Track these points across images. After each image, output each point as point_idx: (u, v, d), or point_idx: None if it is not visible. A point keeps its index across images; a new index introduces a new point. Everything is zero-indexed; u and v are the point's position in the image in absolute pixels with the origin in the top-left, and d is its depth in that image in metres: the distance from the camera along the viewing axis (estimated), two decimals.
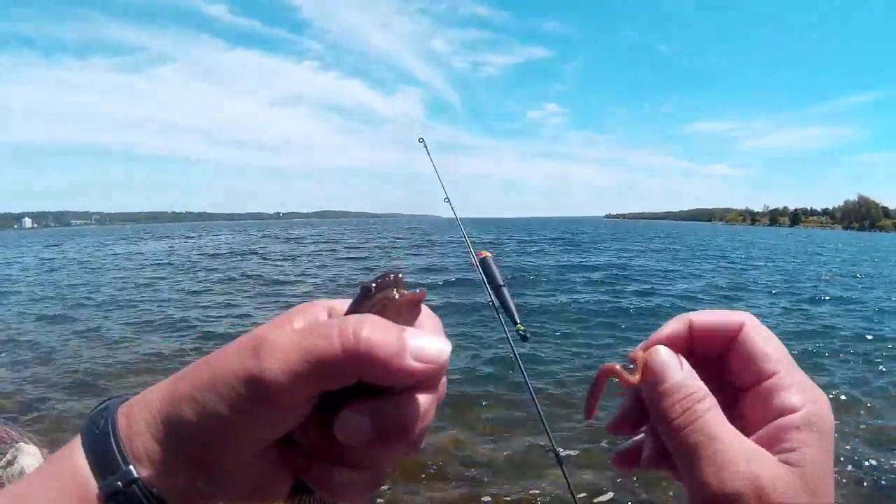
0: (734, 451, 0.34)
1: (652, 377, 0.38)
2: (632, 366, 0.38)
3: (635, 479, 4.00)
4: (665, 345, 0.39)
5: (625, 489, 3.92)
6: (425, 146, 2.55)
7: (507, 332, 2.02)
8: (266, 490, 0.36)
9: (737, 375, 0.39)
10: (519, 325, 1.99)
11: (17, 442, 3.76)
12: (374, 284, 0.33)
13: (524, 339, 2.01)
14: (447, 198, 2.51)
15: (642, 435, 0.43)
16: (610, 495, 3.87)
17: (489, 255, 2.09)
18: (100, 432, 0.35)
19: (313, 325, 0.32)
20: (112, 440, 0.34)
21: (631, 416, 0.42)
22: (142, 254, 27.15)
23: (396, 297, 0.32)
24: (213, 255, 24.44)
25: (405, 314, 0.32)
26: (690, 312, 0.41)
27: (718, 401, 0.37)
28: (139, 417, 0.34)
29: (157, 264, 20.63)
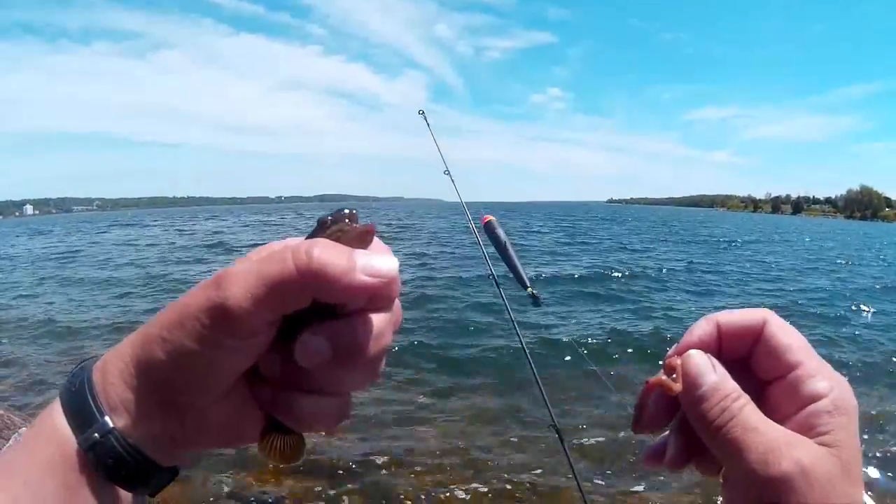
0: (775, 437, 0.37)
1: (688, 382, 0.40)
2: (674, 375, 0.40)
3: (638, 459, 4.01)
4: (696, 348, 0.41)
5: (627, 466, 3.93)
6: (425, 118, 2.50)
7: (503, 297, 1.97)
8: (238, 432, 0.38)
9: (763, 369, 0.41)
10: (529, 289, 1.93)
11: (19, 427, 3.80)
12: (329, 218, 0.35)
13: (536, 303, 1.95)
14: (447, 170, 2.47)
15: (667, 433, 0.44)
16: (610, 471, 3.88)
17: (493, 218, 2.02)
18: (76, 390, 0.35)
19: (269, 253, 0.33)
20: (88, 394, 0.35)
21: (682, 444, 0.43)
22: (143, 242, 27.11)
23: (349, 228, 0.35)
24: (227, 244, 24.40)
25: (357, 244, 0.34)
26: (716, 313, 0.43)
27: (749, 395, 0.39)
28: (113, 368, 0.35)
29: (164, 250, 20.59)
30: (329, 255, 0.32)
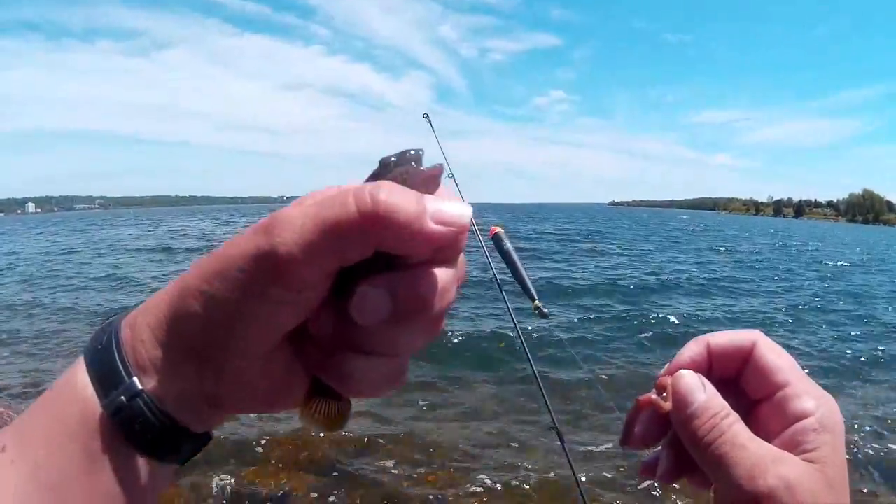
0: (761, 454, 0.38)
1: (678, 401, 0.41)
2: (664, 394, 0.42)
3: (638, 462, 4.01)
4: (687, 368, 0.43)
5: (627, 471, 3.94)
6: (429, 122, 2.50)
7: (506, 303, 1.99)
8: (280, 396, 0.34)
9: (752, 389, 0.43)
10: (536, 302, 1.94)
11: None
12: (393, 158, 0.31)
13: (542, 316, 1.96)
14: (451, 174, 2.47)
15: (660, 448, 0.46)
16: (611, 475, 3.89)
17: (501, 230, 2.02)
18: (102, 347, 0.32)
19: (328, 195, 0.29)
20: (115, 352, 0.32)
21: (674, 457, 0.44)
22: (142, 240, 27.13)
23: (415, 171, 0.30)
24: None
25: (423, 189, 0.30)
26: (707, 334, 0.45)
27: (738, 413, 0.41)
28: (143, 324, 0.32)
29: (166, 248, 20.62)
30: (396, 198, 0.27)
